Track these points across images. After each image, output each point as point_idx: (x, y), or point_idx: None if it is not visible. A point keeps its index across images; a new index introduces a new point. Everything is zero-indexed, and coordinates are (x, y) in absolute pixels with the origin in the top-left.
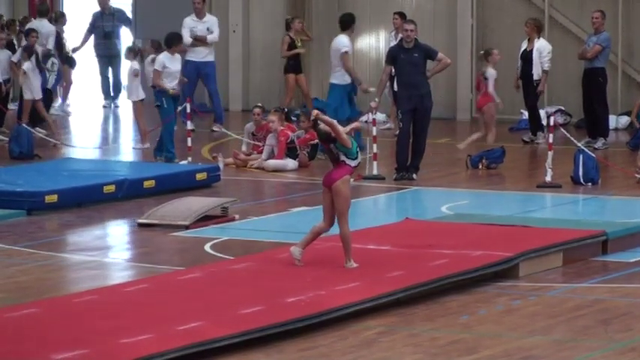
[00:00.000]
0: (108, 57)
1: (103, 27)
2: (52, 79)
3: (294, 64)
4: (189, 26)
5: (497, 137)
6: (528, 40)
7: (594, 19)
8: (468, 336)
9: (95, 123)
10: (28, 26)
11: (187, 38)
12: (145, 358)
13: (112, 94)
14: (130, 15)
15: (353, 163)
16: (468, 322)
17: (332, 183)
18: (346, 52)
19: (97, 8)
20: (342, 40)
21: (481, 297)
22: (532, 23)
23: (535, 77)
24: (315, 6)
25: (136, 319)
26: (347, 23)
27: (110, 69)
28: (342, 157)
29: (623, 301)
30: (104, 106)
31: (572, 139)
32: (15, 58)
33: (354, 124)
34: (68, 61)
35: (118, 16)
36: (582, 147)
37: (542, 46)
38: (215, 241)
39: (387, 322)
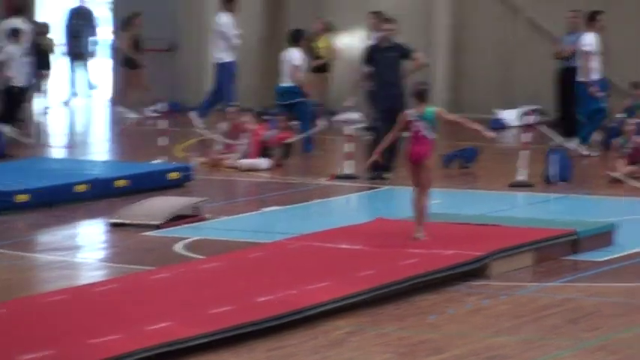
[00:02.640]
0: (75, 55)
1: (72, 25)
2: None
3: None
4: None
5: (470, 136)
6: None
7: (570, 19)
8: (437, 335)
9: (65, 121)
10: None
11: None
12: (114, 359)
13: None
14: (108, 13)
15: (433, 137)
16: (436, 321)
17: (421, 160)
18: (587, 52)
19: (71, 7)
20: (585, 39)
21: (451, 296)
22: (376, 17)
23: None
24: (293, 4)
25: (105, 319)
26: (593, 19)
27: (79, 67)
28: (424, 132)
29: (593, 301)
30: (64, 103)
31: (554, 137)
32: None
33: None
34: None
35: (85, 16)
36: (558, 144)
37: None
38: (187, 240)
39: (357, 322)
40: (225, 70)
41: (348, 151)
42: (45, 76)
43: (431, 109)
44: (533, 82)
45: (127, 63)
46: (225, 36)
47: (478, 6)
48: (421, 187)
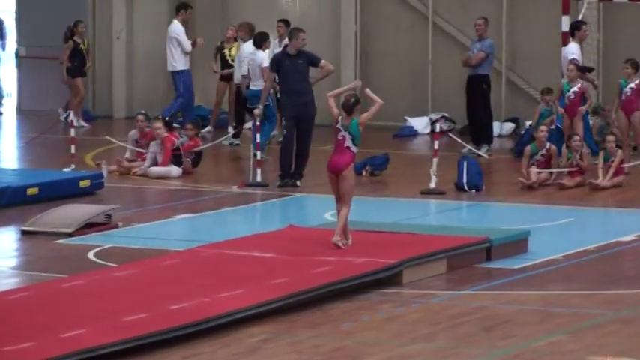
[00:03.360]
0: None
1: None
2: None
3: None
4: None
5: (380, 144)
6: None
7: (477, 26)
8: (351, 343)
9: None
10: None
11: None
12: None
13: None
14: (13, 23)
15: (356, 150)
16: (350, 329)
17: (340, 170)
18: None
19: None
20: (569, 48)
21: (364, 304)
22: (246, 26)
23: (235, 81)
24: (200, 13)
25: (17, 327)
26: (577, 29)
27: None
28: (348, 143)
29: (507, 308)
30: None
31: (465, 144)
32: None
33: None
34: None
35: None
36: (472, 149)
37: (242, 50)
38: (98, 248)
39: (271, 329)
40: (180, 78)
41: (258, 158)
42: None
43: (355, 120)
44: (444, 90)
45: (72, 72)
46: (179, 43)
47: (387, 14)
48: (343, 198)
